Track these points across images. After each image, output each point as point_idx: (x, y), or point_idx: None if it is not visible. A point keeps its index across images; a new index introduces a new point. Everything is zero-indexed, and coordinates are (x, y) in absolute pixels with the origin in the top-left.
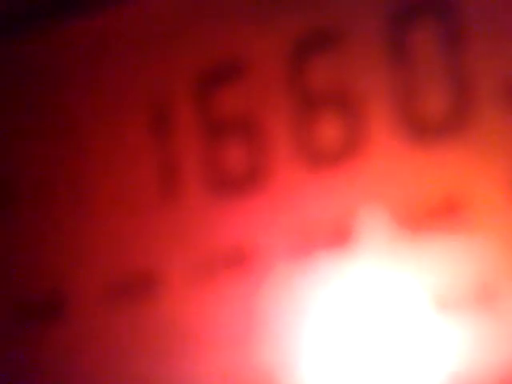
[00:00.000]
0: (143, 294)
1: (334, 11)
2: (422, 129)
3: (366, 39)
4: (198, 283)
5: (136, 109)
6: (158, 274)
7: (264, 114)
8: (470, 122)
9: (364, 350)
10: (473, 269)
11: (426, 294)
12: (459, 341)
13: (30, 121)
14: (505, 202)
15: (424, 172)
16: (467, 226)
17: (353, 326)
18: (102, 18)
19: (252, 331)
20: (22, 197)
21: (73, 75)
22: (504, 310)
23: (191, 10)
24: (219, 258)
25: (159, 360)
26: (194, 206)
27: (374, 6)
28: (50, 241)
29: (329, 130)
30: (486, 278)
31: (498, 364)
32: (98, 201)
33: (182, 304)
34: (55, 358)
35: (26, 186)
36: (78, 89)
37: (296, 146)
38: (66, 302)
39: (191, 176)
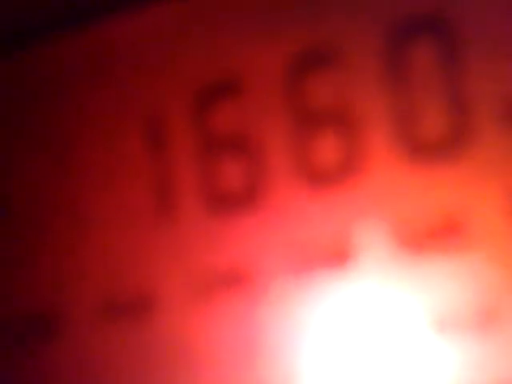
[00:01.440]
0: (139, 312)
1: (333, 29)
2: (421, 148)
3: (364, 58)
4: (194, 302)
5: (132, 124)
6: (154, 293)
7: (261, 131)
8: (468, 142)
9: (362, 369)
10: (472, 288)
11: (424, 314)
12: (458, 362)
13: (27, 135)
14: (504, 222)
15: (423, 191)
16: (466, 246)
17: (351, 346)
18: (100, 33)
19: (250, 351)
20: (16, 213)
21: (69, 90)
22: (504, 330)
23: (189, 26)
24: (216, 277)
25: (156, 379)
26: (191, 224)
27: (373, 25)
28: (45, 258)
29: (327, 148)
30: (486, 298)
31: (496, 383)
32: (93, 219)
33: (179, 323)
34: (50, 377)
35: (22, 201)
36: (75, 103)
37: (294, 163)
38: (62, 321)
39: (188, 194)
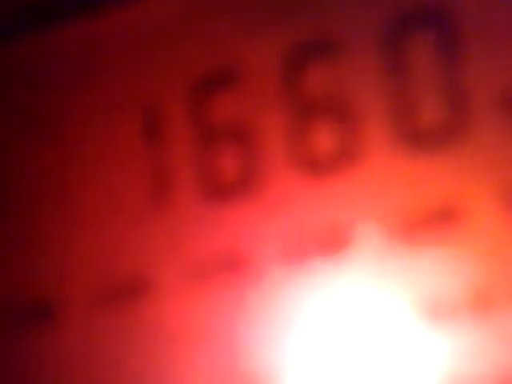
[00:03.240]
0: (136, 298)
1: (331, 20)
2: (418, 138)
3: (362, 49)
4: (190, 290)
5: (129, 115)
6: (150, 281)
7: (258, 121)
8: (465, 133)
9: (355, 359)
10: (467, 278)
11: (420, 304)
12: (453, 350)
13: (20, 127)
14: (500, 213)
15: (419, 182)
16: (462, 236)
17: (345, 335)
18: (95, 24)
19: (244, 338)
20: (10, 203)
21: (64, 81)
22: (499, 318)
23: (185, 17)
24: (212, 265)
25: (149, 365)
26: (187, 211)
27: (371, 17)
28: (40, 246)
29: (324, 139)
30: (481, 288)
31: (491, 373)
32: (90, 207)
33: (174, 310)
34: (45, 364)
35: (21, 190)
36: (70, 95)
37: (290, 153)
38: (57, 309)
39: (184, 183)
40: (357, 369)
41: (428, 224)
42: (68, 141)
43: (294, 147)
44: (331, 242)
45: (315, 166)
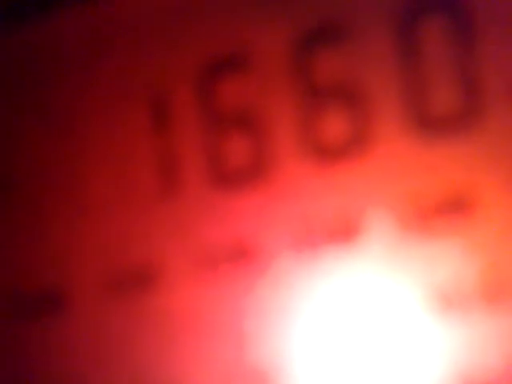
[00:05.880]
0: (142, 288)
1: (341, 5)
2: (430, 125)
3: (373, 34)
4: (198, 278)
5: (136, 100)
6: (157, 269)
7: (268, 106)
8: (478, 120)
9: (364, 349)
10: (479, 267)
11: (431, 293)
12: (466, 341)
13: (28, 115)
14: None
15: (431, 170)
16: (474, 224)
17: (354, 325)
18: (102, 7)
19: (252, 327)
20: (18, 191)
21: (71, 64)
22: (511, 309)
23: (194, 2)
24: (220, 253)
25: (157, 353)
26: (195, 199)
27: (383, 1)
28: (47, 234)
29: (334, 124)
30: (493, 278)
31: (503, 364)
32: (96, 194)
33: (182, 299)
34: (54, 352)
35: (23, 179)
36: (76, 79)
37: (300, 139)
38: (65, 297)
39: (192, 169)
40: (366, 359)
41: (440, 212)
42: (76, 129)
43: (303, 134)
44: (341, 231)
45: (325, 153)
